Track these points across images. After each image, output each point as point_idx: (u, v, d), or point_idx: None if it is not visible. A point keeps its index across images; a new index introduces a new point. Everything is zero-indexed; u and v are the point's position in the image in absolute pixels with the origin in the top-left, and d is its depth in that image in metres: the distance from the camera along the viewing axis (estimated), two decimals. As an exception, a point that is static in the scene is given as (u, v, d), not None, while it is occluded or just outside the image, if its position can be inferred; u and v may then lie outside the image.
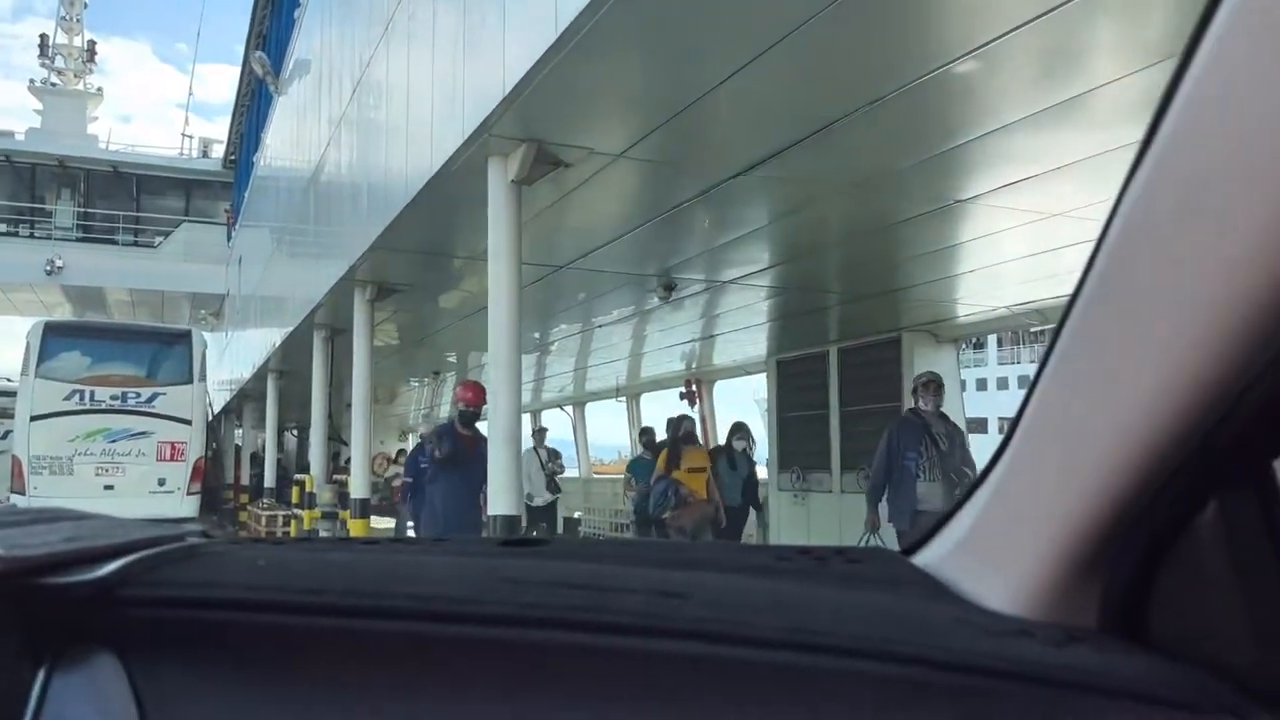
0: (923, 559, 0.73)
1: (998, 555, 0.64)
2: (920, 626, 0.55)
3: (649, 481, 8.30)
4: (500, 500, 4.44)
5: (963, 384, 9.80)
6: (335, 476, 10.57)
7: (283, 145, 12.37)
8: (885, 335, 9.21)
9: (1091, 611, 0.59)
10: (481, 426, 5.90)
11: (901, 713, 0.51)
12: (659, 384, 14.13)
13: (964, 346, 9.70)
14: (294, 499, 10.47)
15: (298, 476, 11.06)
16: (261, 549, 0.65)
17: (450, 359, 13.09)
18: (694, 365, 12.62)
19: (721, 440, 9.34)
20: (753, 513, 8.66)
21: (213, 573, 0.56)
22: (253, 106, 17.38)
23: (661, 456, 8.08)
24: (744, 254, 6.54)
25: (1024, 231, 5.71)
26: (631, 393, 14.80)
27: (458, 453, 6.13)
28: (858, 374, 9.63)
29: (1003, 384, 46.83)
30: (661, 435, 9.10)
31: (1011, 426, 0.64)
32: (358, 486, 7.47)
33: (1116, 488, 0.54)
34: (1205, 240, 0.46)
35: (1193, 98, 0.46)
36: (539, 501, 8.95)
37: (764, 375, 11.29)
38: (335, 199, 8.30)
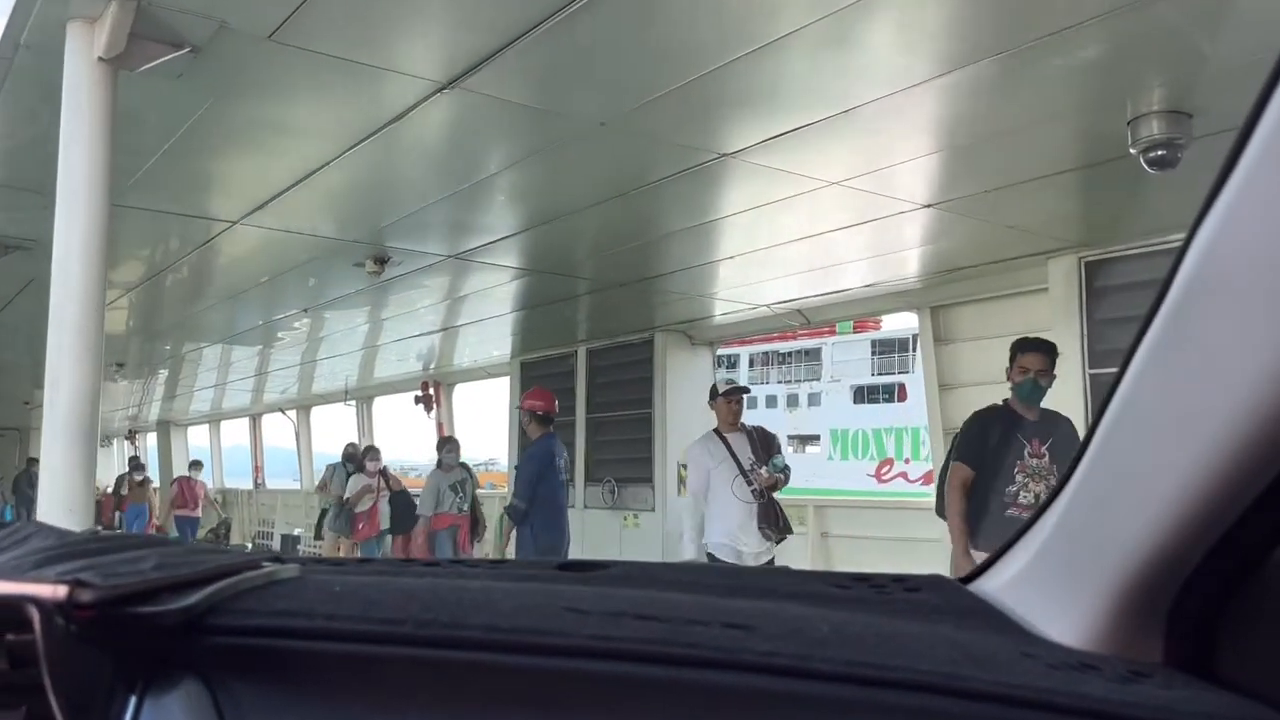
0: (981, 587, 0.74)
1: (1060, 587, 0.64)
2: (985, 660, 0.53)
3: None
4: (63, 524, 2.95)
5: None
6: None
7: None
8: (637, 336, 8.48)
9: (1155, 646, 0.59)
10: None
11: None
12: (393, 387, 12.74)
13: (718, 363, 9.13)
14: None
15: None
16: (330, 573, 0.67)
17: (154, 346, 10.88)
18: (432, 366, 11.31)
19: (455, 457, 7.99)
20: None
21: (294, 601, 0.56)
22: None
23: None
24: (478, 217, 5.34)
25: (791, 206, 4.91)
26: (363, 395, 13.29)
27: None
28: (607, 378, 8.88)
29: (751, 403, 48.10)
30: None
31: (1077, 456, 0.62)
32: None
33: (1191, 522, 0.52)
34: None
35: None
36: (746, 552, 4.68)
37: (507, 379, 10.20)
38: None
